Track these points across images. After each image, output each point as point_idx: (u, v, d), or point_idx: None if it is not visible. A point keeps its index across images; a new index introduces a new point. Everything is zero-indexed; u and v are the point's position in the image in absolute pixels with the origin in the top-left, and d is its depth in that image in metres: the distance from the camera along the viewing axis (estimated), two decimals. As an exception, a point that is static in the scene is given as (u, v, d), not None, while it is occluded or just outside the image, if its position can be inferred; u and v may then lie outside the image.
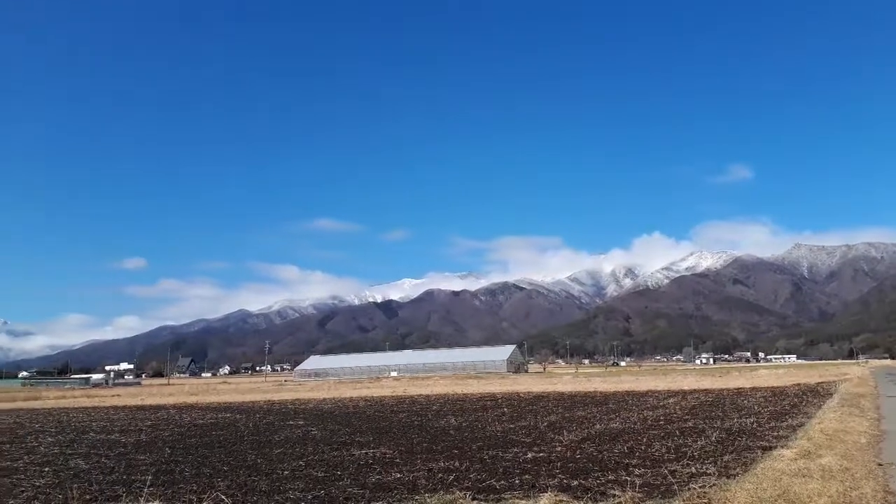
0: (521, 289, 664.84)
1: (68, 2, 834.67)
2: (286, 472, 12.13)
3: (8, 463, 14.95)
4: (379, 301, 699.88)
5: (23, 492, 11.01)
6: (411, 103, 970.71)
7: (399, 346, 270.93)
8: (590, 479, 10.32)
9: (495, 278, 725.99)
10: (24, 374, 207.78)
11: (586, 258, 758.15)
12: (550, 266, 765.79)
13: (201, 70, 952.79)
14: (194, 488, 10.68)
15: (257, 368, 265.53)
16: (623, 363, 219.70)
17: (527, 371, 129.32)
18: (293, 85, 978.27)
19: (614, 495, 8.68)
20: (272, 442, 17.50)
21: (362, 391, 51.83)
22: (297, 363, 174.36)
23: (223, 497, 9.48)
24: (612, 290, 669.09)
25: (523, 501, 8.33)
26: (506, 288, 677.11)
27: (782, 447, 12.61)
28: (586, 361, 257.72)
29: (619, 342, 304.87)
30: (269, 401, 41.16)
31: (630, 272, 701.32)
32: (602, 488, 9.50)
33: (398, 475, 11.44)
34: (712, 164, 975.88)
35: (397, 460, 13.24)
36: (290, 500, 9.35)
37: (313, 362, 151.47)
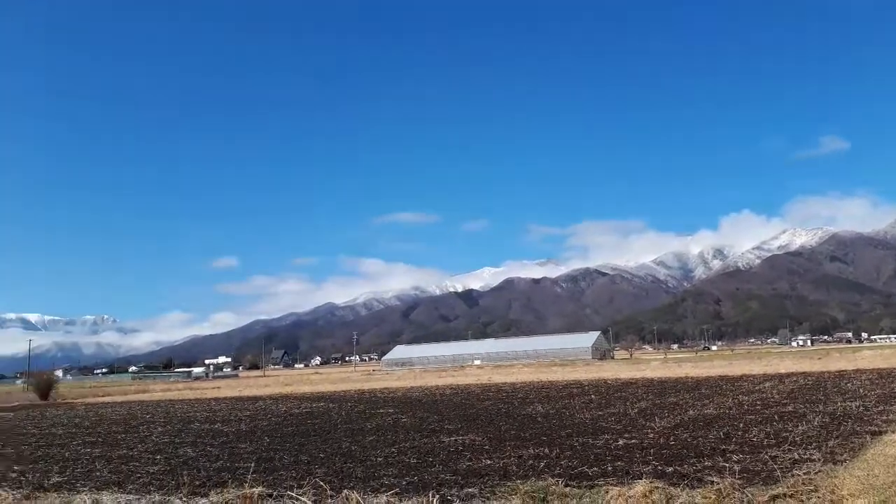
0: (604, 274, 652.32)
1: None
2: (380, 459, 12.43)
3: (125, 451, 15.99)
4: (459, 290, 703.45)
5: (139, 478, 11.75)
6: (483, 92, 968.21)
7: (481, 334, 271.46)
8: (685, 466, 10.05)
9: (576, 264, 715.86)
10: (134, 368, 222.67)
11: (672, 240, 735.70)
12: (634, 250, 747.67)
13: (279, 69, 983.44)
14: (293, 475, 11.11)
15: (346, 359, 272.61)
16: (714, 347, 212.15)
17: (612, 358, 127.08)
18: (375, 80, 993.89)
19: (712, 482, 8.42)
20: (364, 430, 17.95)
21: (447, 379, 52.35)
22: (384, 353, 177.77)
23: (321, 483, 9.79)
24: (700, 272, 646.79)
25: (618, 488, 8.20)
26: (587, 274, 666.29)
27: (894, 432, 11.88)
28: (675, 346, 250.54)
29: (709, 326, 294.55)
30: (359, 390, 42.19)
31: (719, 253, 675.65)
32: (699, 475, 9.24)
33: (488, 462, 11.50)
34: (802, 137, 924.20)
35: (486, 447, 13.31)
36: (384, 487, 9.55)
37: (399, 352, 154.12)
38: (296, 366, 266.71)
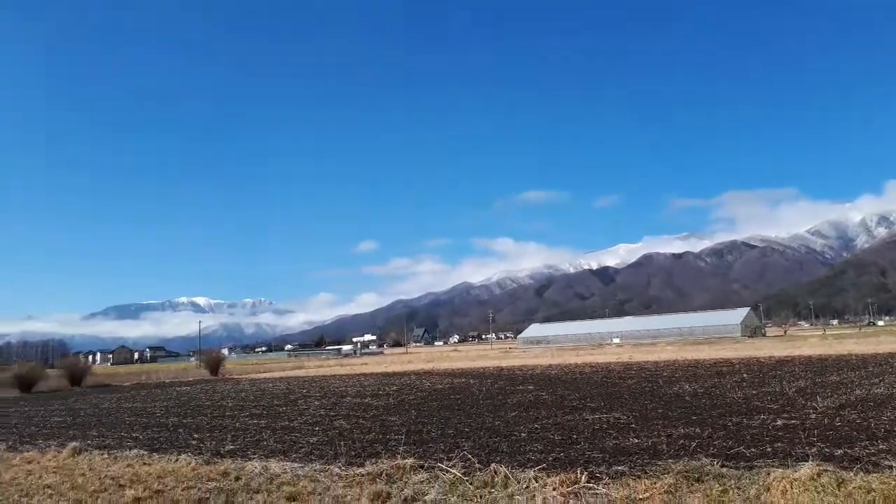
0: (753, 247, 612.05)
1: None
2: (524, 435, 12.49)
3: (286, 422, 17.20)
4: (594, 268, 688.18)
5: (301, 448, 12.59)
6: (610, 57, 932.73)
7: (618, 312, 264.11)
8: (856, 449, 9.26)
9: (721, 237, 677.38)
10: (289, 346, 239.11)
11: (828, 208, 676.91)
12: (785, 219, 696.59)
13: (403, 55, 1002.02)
14: (442, 447, 11.42)
15: (482, 336, 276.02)
16: (880, 323, 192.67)
17: (764, 335, 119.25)
18: (505, 63, 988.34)
19: (890, 466, 7.69)
20: (506, 405, 18.10)
21: (586, 358, 51.57)
22: (519, 331, 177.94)
23: (469, 456, 10.01)
24: (862, 241, 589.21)
25: (780, 470, 7.69)
26: (734, 247, 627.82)
27: None
28: (834, 322, 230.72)
29: (873, 299, 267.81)
30: (497, 367, 42.60)
31: (884, 220, 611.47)
32: (873, 458, 8.47)
33: (636, 440, 11.22)
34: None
35: (633, 425, 12.98)
36: (531, 462, 9.59)
37: (535, 330, 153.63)
38: (435, 343, 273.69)
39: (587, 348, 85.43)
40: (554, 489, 7.87)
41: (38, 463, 12.41)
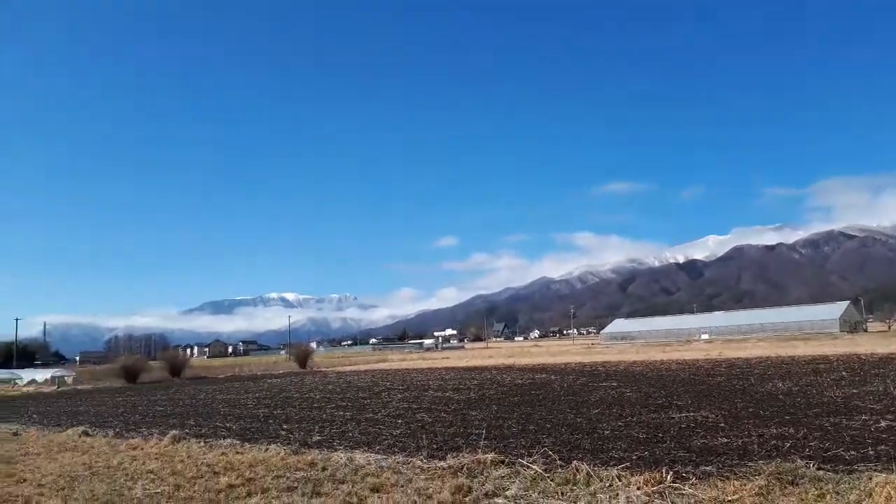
0: (852, 237, 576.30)
1: None
2: (607, 432, 12.25)
3: (371, 415, 17.57)
4: (681, 261, 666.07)
5: (384, 440, 12.82)
6: (695, 40, 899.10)
7: (706, 307, 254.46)
8: (973, 456, 8.56)
9: (817, 227, 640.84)
10: (373, 340, 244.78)
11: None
12: (889, 208, 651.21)
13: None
14: (523, 443, 11.36)
15: (563, 332, 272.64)
16: None
17: (865, 330, 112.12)
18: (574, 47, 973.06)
19: None
20: (588, 402, 17.81)
21: (672, 354, 50.03)
22: (602, 327, 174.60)
23: (550, 453, 9.91)
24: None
25: (883, 475, 7.21)
26: (831, 237, 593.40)
27: None
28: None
29: None
30: (579, 363, 41.98)
31: None
32: None
33: (724, 440, 10.79)
34: None
35: (721, 425, 12.49)
36: (614, 460, 9.40)
37: (618, 325, 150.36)
38: (516, 338, 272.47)
39: (674, 344, 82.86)
40: (638, 488, 7.69)
41: (142, 449, 13.18)
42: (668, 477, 7.89)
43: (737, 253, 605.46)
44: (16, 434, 17.58)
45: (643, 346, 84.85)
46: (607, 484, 8.04)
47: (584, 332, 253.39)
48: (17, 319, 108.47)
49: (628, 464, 8.99)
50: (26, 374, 56.57)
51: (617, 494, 7.57)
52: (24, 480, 10.60)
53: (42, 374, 55.91)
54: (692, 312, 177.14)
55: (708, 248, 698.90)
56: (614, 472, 8.43)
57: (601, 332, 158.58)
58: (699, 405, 15.86)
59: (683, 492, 7.44)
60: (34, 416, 23.63)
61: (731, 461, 8.99)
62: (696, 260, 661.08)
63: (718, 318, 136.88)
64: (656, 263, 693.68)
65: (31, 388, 49.67)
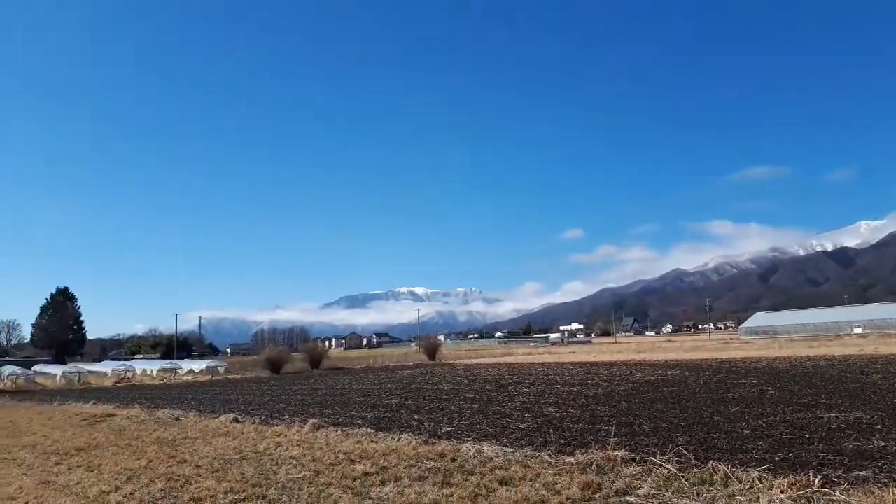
0: None
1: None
2: (746, 432, 11.56)
3: (497, 408, 17.66)
4: (829, 250, 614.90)
5: (512, 433, 12.84)
6: (843, 25, 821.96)
7: (859, 299, 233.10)
8: None
9: None
10: (499, 334, 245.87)
11: None
12: None
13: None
14: (655, 441, 10.96)
15: (699, 327, 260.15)
16: None
17: None
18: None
19: None
20: (726, 400, 16.88)
21: (820, 350, 46.32)
22: (740, 321, 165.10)
23: (685, 452, 9.50)
24: None
25: None
26: None
27: None
28: None
29: None
30: (716, 359, 39.90)
31: None
32: None
33: (882, 443, 9.85)
34: None
35: (878, 426, 11.41)
36: (754, 461, 8.85)
37: (759, 319, 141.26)
38: (646, 333, 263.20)
39: (822, 340, 76.70)
40: (781, 492, 7.18)
41: (285, 436, 14.04)
42: (817, 481, 7.31)
43: (893, 239, 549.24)
44: (177, 419, 19.30)
45: (787, 341, 79.11)
46: (747, 486, 7.59)
47: (721, 327, 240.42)
48: (176, 314, 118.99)
49: (770, 466, 8.44)
50: (185, 364, 61.93)
51: (758, 498, 7.12)
52: (185, 461, 11.62)
53: (198, 365, 60.98)
54: (843, 305, 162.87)
55: (860, 234, 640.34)
56: (755, 473, 7.94)
57: (740, 326, 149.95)
58: (851, 405, 14.58)
59: (834, 498, 6.86)
60: (192, 402, 25.81)
61: (891, 466, 8.19)
62: (846, 248, 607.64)
63: (873, 311, 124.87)
64: (801, 252, 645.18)
65: (189, 377, 54.36)
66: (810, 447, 9.85)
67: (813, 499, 6.91)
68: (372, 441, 12.58)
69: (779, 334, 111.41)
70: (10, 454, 14.21)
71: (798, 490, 7.16)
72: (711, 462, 8.57)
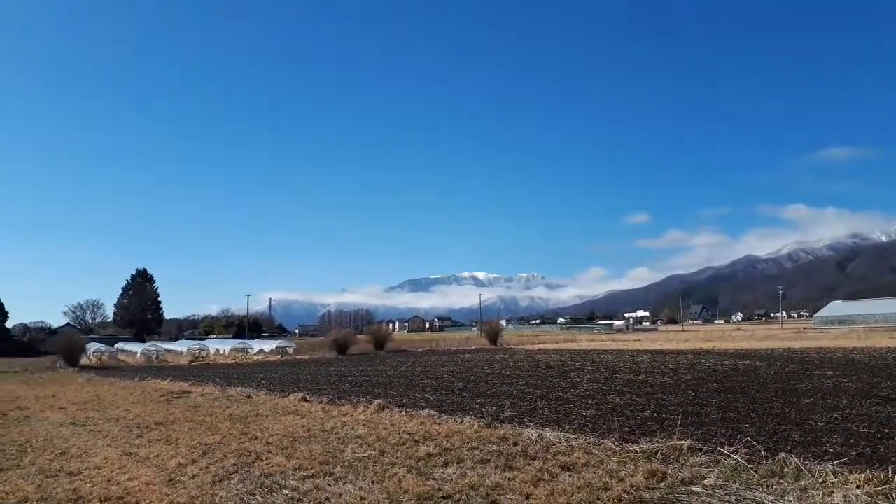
0: None
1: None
2: (820, 424, 11.13)
3: (560, 394, 17.57)
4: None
5: (574, 419, 12.77)
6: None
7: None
8: None
9: None
10: (561, 320, 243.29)
11: None
12: None
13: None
14: (723, 431, 10.70)
15: (770, 315, 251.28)
16: None
17: None
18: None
19: None
20: (799, 391, 16.28)
21: (904, 341, 43.97)
22: (815, 310, 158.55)
23: (754, 443, 9.25)
24: None
25: None
26: None
27: None
28: None
29: None
30: (788, 348, 38.44)
31: None
32: None
33: (971, 441, 9.32)
34: None
35: (967, 423, 10.80)
36: (828, 454, 8.54)
37: (835, 308, 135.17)
38: (715, 321, 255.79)
39: (904, 330, 72.74)
40: (857, 487, 6.91)
41: (351, 416, 14.38)
42: (896, 478, 7.01)
43: None
44: (248, 397, 20.02)
45: (865, 331, 75.39)
46: (820, 480, 7.33)
47: (795, 316, 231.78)
48: (248, 295, 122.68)
49: (846, 460, 8.12)
50: (256, 345, 64.04)
51: (832, 492, 6.87)
52: (256, 438, 12.07)
53: (268, 345, 62.94)
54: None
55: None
56: (829, 467, 7.66)
57: (814, 315, 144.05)
58: (937, 400, 13.83)
59: (915, 496, 6.56)
60: (262, 381, 26.70)
61: (980, 466, 7.75)
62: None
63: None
64: (883, 238, 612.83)
65: (259, 357, 56.21)
66: (890, 442, 9.42)
67: (892, 496, 6.63)
68: (435, 423, 12.74)
69: (857, 324, 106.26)
70: (97, 426, 15.07)
71: (875, 486, 6.88)
72: (782, 454, 8.32)
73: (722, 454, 8.71)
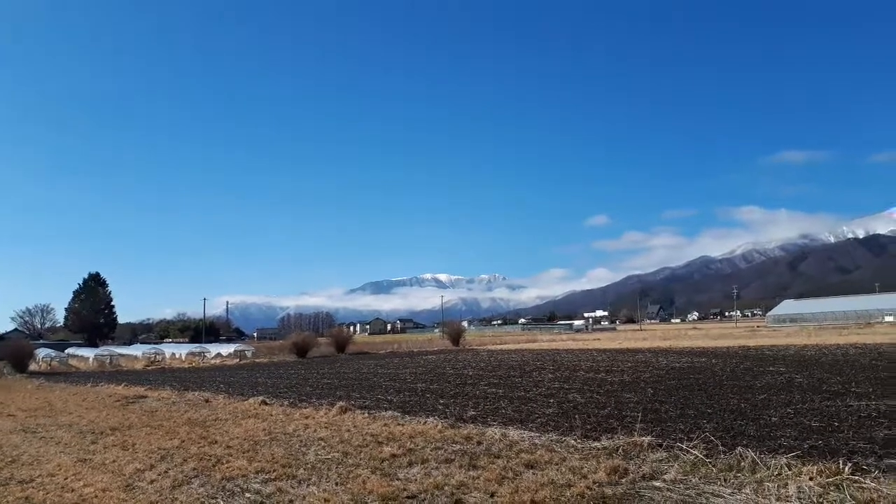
0: None
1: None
2: (774, 419, 11.48)
3: (522, 393, 17.71)
4: (861, 237, 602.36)
5: (537, 418, 12.89)
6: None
7: (891, 287, 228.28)
8: None
9: None
10: (523, 320, 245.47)
11: None
12: None
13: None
14: (681, 427, 10.94)
15: (725, 314, 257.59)
16: None
17: None
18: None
19: None
20: (753, 387, 16.75)
21: (850, 338, 45.57)
22: (768, 308, 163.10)
23: (712, 438, 9.48)
24: None
25: None
26: None
27: None
28: None
29: None
30: (742, 346, 39.49)
31: None
32: None
33: (914, 432, 9.73)
34: None
35: (911, 416, 11.26)
36: (782, 448, 8.80)
37: (787, 307, 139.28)
38: (672, 320, 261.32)
39: (852, 328, 75.43)
40: (810, 479, 7.14)
41: (313, 419, 14.25)
42: (847, 469, 7.27)
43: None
44: (207, 401, 19.66)
45: (816, 329, 77.96)
46: (775, 472, 7.56)
47: (749, 315, 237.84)
48: (204, 299, 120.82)
49: (799, 453, 8.39)
50: (213, 348, 62.91)
51: (786, 484, 7.09)
52: (216, 442, 11.88)
53: (226, 349, 61.89)
54: (874, 293, 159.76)
55: (893, 221, 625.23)
56: (783, 460, 7.90)
57: (767, 314, 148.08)
58: (883, 393, 14.39)
59: (864, 485, 6.82)
60: (221, 385, 26.26)
61: (923, 456, 8.09)
62: (879, 234, 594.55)
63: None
64: (832, 239, 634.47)
65: (217, 361, 55.23)
66: (840, 435, 9.76)
67: (843, 486, 6.87)
68: (398, 424, 12.72)
69: (807, 322, 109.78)
70: (48, 433, 14.63)
71: (827, 477, 7.12)
72: (739, 448, 8.54)
73: (681, 449, 8.91)
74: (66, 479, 9.55)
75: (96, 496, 8.39)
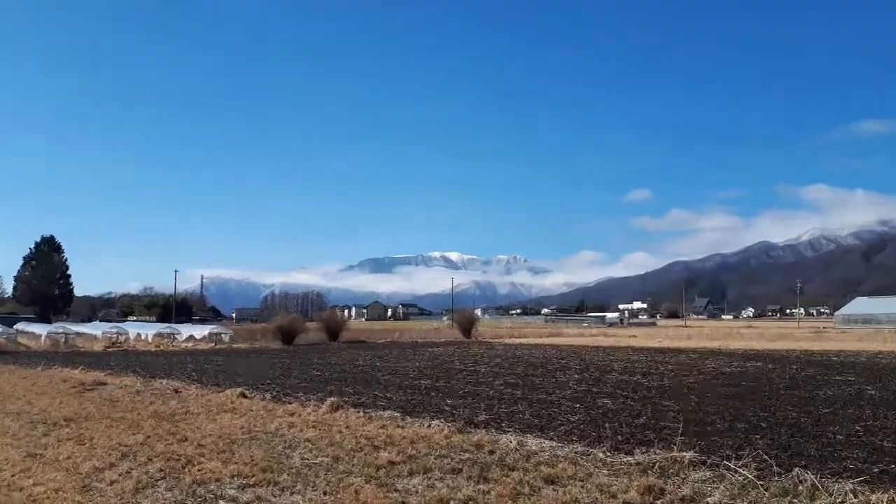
0: None
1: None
2: (840, 437, 11.48)
3: (544, 395, 17.80)
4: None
5: (560, 425, 12.95)
6: None
7: None
8: None
9: None
10: (546, 310, 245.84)
11: None
12: None
13: None
14: (729, 443, 10.95)
15: (786, 311, 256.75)
16: None
17: None
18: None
19: None
20: (816, 399, 16.75)
21: (934, 344, 45.36)
22: (837, 306, 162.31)
23: (765, 456, 9.48)
24: None
25: None
26: None
27: None
28: None
29: None
30: (805, 350, 39.43)
31: None
32: None
33: None
34: None
35: None
36: (848, 471, 8.80)
37: (859, 305, 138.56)
38: (722, 316, 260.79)
39: (936, 332, 74.94)
40: (880, 509, 7.16)
41: (299, 416, 14.38)
42: (924, 499, 7.27)
43: None
44: (176, 391, 19.89)
45: (893, 333, 77.51)
46: (838, 500, 7.57)
47: (814, 313, 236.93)
48: (175, 272, 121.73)
49: (868, 477, 8.39)
50: (185, 330, 63.42)
51: (851, 514, 7.11)
52: (186, 440, 12.01)
53: (200, 331, 62.40)
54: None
55: None
56: (848, 486, 7.91)
57: (836, 313, 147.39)
58: (971, 412, 14.33)
59: (943, 520, 6.82)
60: (193, 373, 26.53)
61: None
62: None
63: None
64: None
65: (189, 345, 55.75)
66: (917, 458, 9.76)
67: (918, 519, 6.87)
68: (398, 426, 12.82)
69: (882, 324, 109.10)
70: (-7, 421, 14.87)
71: (900, 508, 7.12)
72: (797, 470, 8.54)
73: (728, 468, 8.92)
74: (13, 476, 9.71)
75: (48, 497, 8.54)
